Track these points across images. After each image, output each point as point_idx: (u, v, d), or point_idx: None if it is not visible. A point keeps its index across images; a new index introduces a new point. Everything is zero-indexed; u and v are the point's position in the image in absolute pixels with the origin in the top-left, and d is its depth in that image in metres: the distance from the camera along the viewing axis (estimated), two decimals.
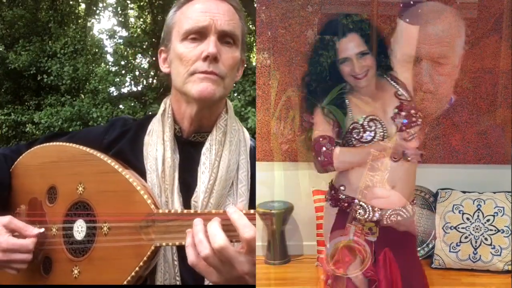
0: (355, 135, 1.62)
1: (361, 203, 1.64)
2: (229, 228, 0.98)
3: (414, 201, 1.73)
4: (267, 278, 2.96)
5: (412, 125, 1.59)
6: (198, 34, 1.24)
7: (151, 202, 1.11)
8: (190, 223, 1.02)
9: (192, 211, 1.06)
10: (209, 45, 1.21)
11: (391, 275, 1.67)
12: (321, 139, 1.63)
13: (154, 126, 1.33)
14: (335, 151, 1.62)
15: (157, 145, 1.28)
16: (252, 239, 0.95)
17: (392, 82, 1.66)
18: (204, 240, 0.97)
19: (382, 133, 1.60)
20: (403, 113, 1.59)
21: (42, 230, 1.22)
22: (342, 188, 1.70)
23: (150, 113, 1.43)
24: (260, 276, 2.75)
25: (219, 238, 0.95)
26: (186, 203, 1.24)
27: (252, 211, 1.00)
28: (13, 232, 1.17)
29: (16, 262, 1.15)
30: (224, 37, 1.25)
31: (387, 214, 1.65)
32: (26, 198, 1.32)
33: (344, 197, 1.69)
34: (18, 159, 1.37)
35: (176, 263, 1.20)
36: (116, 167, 1.19)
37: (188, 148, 1.31)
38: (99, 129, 1.45)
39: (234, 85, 6.80)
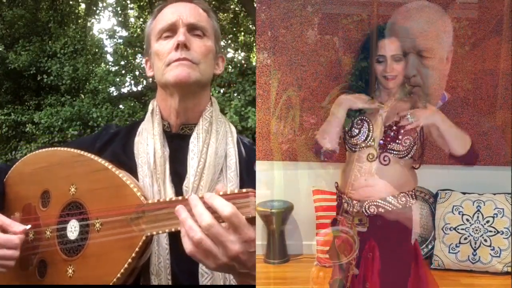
0: (346, 128, 1.80)
1: (344, 196, 1.80)
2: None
3: (404, 194, 1.79)
4: (266, 278, 2.97)
5: (396, 141, 1.74)
6: (170, 31, 1.35)
7: (141, 194, 1.13)
8: None
9: (180, 198, 1.07)
10: (179, 35, 1.32)
11: (371, 265, 1.76)
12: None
13: (144, 126, 1.40)
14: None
15: (148, 140, 1.35)
16: (231, 214, 0.96)
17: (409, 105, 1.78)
18: (193, 225, 0.98)
19: (366, 133, 1.76)
20: (395, 127, 1.74)
21: (29, 226, 1.22)
22: (335, 184, 1.88)
23: None
24: (259, 275, 2.75)
25: (205, 217, 0.97)
26: (178, 191, 1.27)
27: (244, 190, 1.01)
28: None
29: (2, 258, 1.15)
30: (193, 30, 1.36)
31: (364, 205, 1.77)
32: (20, 205, 1.33)
33: (337, 192, 1.88)
34: (11, 168, 1.39)
35: (166, 245, 1.23)
36: (106, 164, 1.21)
37: (177, 141, 1.36)
38: (91, 136, 1.52)
39: (234, 85, 6.82)
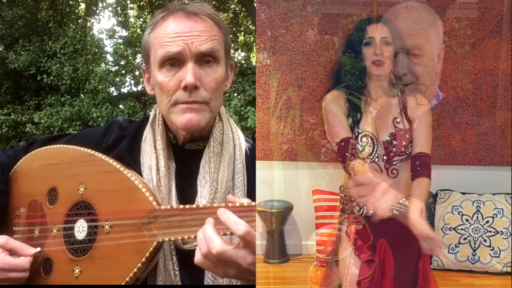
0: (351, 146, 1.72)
1: (351, 198, 1.74)
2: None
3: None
4: (266, 278, 2.96)
5: (400, 154, 1.69)
6: (174, 60, 1.19)
7: (153, 199, 1.11)
8: (192, 218, 1.04)
9: (194, 205, 1.07)
10: (187, 74, 1.16)
11: (384, 266, 1.71)
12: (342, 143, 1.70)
13: (147, 135, 1.32)
14: None
15: (150, 154, 1.27)
16: (245, 233, 0.96)
17: (400, 104, 1.72)
18: (203, 239, 0.99)
19: (370, 150, 1.70)
20: (395, 143, 1.68)
21: (39, 249, 1.23)
22: (341, 188, 1.78)
23: (149, 113, 1.41)
24: (259, 275, 2.74)
25: (215, 244, 0.96)
26: None
27: (253, 203, 1.02)
28: (10, 251, 1.18)
29: (12, 280, 1.16)
30: (203, 57, 1.20)
31: (366, 209, 1.71)
32: (26, 200, 1.32)
33: (342, 194, 1.79)
34: (18, 163, 1.37)
35: (177, 272, 1.20)
36: (117, 166, 1.20)
37: (184, 156, 1.30)
38: (97, 132, 1.42)
39: (234, 85, 6.83)
